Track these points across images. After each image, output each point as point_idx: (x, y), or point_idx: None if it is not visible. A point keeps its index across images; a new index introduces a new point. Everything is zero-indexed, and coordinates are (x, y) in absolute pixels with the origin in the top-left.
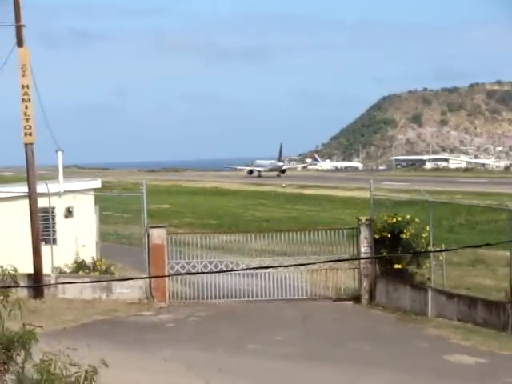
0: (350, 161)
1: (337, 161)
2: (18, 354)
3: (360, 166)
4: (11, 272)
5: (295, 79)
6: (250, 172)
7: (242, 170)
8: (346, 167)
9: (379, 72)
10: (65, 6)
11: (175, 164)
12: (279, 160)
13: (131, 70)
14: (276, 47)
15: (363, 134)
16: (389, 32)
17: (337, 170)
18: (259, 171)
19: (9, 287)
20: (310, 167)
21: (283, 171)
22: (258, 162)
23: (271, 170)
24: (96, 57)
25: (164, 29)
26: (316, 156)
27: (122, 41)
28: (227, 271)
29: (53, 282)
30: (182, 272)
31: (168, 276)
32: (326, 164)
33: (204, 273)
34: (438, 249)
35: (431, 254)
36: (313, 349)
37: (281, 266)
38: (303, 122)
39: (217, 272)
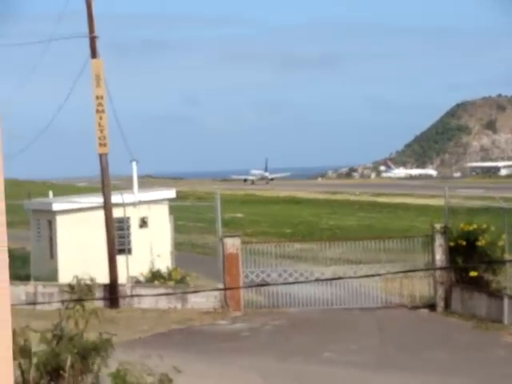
0: (424, 168)
1: (411, 168)
2: (94, 363)
3: (434, 173)
4: (88, 282)
5: (369, 86)
6: (245, 180)
7: (237, 179)
8: (420, 174)
9: (453, 78)
10: (136, 16)
11: (249, 173)
12: (265, 171)
13: (203, 79)
14: (349, 54)
15: (437, 141)
16: (463, 38)
17: (411, 177)
18: (252, 180)
19: (84, 300)
20: (383, 174)
21: (272, 179)
22: (252, 171)
23: (261, 179)
24: (168, 66)
25: (236, 37)
26: (389, 163)
27: (194, 50)
28: (303, 282)
29: (128, 291)
30: (257, 281)
31: (243, 287)
32: (400, 171)
33: (279, 284)
34: None
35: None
36: (388, 357)
37: (357, 277)
38: (377, 129)
39: (293, 283)
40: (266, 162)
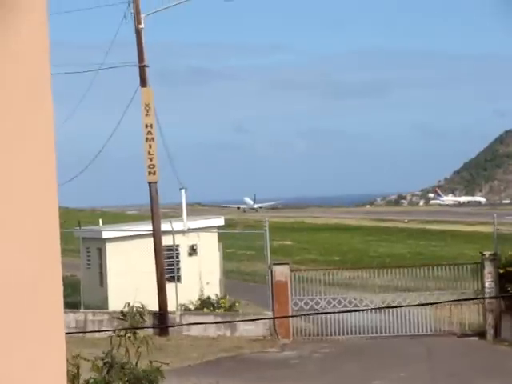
0: (472, 195)
1: (459, 195)
2: None
3: (483, 200)
4: (139, 310)
5: (417, 113)
6: (238, 208)
7: (230, 207)
8: (468, 201)
9: (501, 105)
10: (185, 44)
11: (297, 201)
12: (254, 202)
13: (250, 107)
14: (395, 82)
15: (486, 168)
16: (510, 64)
17: (460, 204)
18: (244, 208)
19: (135, 328)
20: (432, 202)
21: (260, 207)
22: (245, 199)
23: (250, 208)
24: (217, 94)
25: (282, 66)
26: (438, 191)
27: (240, 78)
28: (353, 311)
29: (177, 319)
30: (306, 308)
31: (292, 316)
32: (449, 199)
33: (328, 313)
34: None
35: None
36: None
37: (408, 306)
38: (426, 157)
39: (343, 311)
40: (254, 196)
